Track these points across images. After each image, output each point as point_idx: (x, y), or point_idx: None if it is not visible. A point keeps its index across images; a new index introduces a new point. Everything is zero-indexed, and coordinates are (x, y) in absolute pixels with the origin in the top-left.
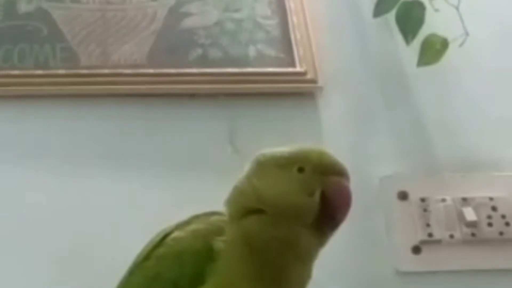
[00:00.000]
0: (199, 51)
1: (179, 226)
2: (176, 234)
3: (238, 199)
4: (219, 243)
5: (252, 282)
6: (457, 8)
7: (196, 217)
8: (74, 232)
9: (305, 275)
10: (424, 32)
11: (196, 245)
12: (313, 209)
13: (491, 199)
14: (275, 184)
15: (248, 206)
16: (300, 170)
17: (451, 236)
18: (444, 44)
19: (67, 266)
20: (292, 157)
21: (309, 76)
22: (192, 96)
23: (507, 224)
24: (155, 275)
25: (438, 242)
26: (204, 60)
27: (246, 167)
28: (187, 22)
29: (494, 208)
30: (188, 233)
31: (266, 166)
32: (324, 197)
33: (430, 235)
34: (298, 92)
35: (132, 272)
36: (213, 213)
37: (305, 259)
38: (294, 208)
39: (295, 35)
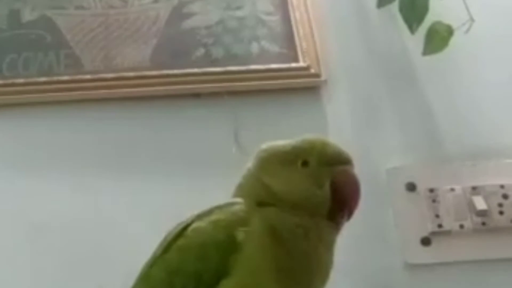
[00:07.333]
0: (202, 50)
1: (200, 216)
2: (196, 224)
3: (248, 195)
4: (242, 234)
5: (278, 272)
6: None
7: (217, 207)
8: (82, 237)
9: (329, 262)
10: (428, 20)
11: (218, 236)
12: (325, 200)
13: (502, 186)
14: (284, 181)
15: (260, 201)
16: (304, 163)
17: (461, 226)
18: (449, 31)
19: (74, 272)
20: (294, 151)
21: (312, 70)
22: (196, 96)
23: None
24: (177, 268)
25: (448, 232)
26: (207, 60)
27: (249, 163)
28: (189, 22)
29: (505, 196)
30: (209, 224)
31: (270, 163)
32: (334, 188)
33: (439, 226)
34: (302, 87)
35: (152, 264)
36: (235, 203)
37: (327, 246)
38: (306, 202)
39: (298, 29)
